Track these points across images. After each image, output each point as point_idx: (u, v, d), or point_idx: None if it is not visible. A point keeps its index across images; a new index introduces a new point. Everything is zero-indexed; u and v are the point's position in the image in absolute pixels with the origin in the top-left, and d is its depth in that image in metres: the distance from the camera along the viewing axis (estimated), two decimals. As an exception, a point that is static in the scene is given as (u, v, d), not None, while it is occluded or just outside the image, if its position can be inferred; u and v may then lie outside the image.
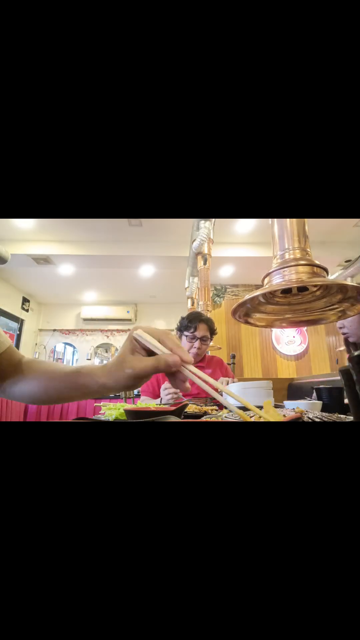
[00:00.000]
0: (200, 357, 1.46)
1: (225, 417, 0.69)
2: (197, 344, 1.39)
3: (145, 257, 3.86)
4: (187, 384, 0.38)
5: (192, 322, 1.40)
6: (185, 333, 1.42)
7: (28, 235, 3.64)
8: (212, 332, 1.46)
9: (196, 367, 1.39)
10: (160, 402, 1.14)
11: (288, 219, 0.54)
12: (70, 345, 5.65)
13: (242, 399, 0.36)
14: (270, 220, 0.58)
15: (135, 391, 3.79)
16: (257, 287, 0.57)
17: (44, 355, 5.43)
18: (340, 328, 1.22)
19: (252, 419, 0.57)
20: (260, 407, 0.80)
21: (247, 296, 0.56)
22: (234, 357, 2.13)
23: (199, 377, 0.37)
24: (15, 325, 5.03)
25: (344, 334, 1.22)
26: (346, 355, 1.00)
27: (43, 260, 3.85)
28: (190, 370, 0.38)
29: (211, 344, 2.09)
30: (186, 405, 0.81)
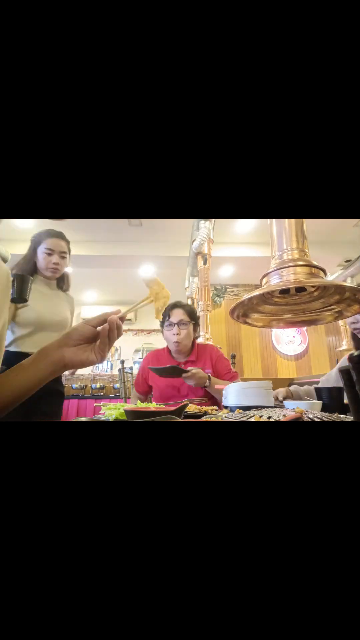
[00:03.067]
0: (184, 345, 1.33)
1: (226, 417, 0.69)
2: (175, 330, 1.31)
3: (145, 257, 3.86)
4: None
5: (165, 310, 1.35)
6: (164, 325, 1.35)
7: (28, 235, 3.63)
8: (192, 316, 1.36)
9: (186, 362, 1.32)
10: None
11: (286, 220, 0.54)
12: (70, 345, 5.62)
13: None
14: (269, 220, 0.58)
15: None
16: (257, 287, 0.57)
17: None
18: (353, 323, 1.21)
19: (252, 419, 0.57)
20: (261, 407, 0.80)
21: (245, 296, 0.56)
22: (234, 357, 2.12)
23: None
24: (15, 325, 5.03)
25: (355, 329, 1.22)
26: (346, 355, 1.00)
27: (43, 260, 3.85)
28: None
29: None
30: (186, 405, 0.81)
